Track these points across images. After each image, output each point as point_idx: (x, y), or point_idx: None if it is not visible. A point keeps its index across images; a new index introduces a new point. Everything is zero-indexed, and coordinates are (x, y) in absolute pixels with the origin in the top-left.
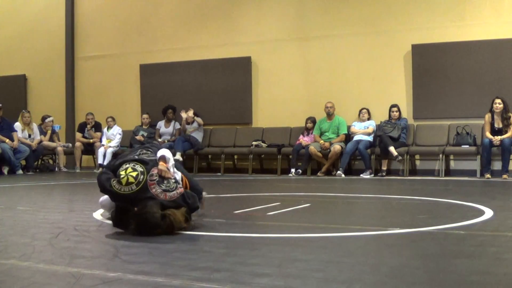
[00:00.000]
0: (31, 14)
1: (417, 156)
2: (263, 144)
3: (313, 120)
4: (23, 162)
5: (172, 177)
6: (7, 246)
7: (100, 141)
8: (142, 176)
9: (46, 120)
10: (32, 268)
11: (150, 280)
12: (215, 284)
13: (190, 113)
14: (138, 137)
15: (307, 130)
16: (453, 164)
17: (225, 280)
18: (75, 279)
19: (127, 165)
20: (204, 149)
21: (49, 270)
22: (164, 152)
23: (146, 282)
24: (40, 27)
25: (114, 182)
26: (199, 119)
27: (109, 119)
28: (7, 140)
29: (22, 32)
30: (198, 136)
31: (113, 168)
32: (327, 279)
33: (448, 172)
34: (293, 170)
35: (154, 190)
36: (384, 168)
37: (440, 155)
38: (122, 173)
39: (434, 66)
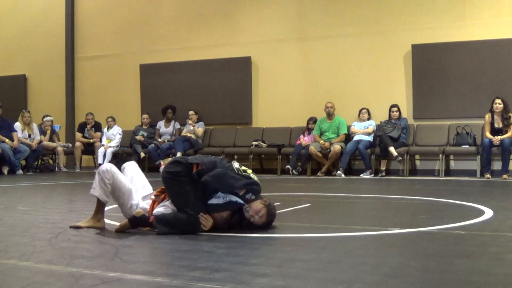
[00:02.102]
0: (31, 14)
1: (417, 156)
2: (263, 144)
3: (315, 121)
4: (23, 162)
5: None
6: (7, 246)
7: (100, 141)
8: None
9: (44, 119)
10: (32, 268)
11: (151, 280)
12: (216, 284)
13: (200, 131)
14: (138, 137)
15: (308, 131)
16: (453, 164)
17: (225, 280)
18: (75, 279)
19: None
20: (204, 149)
21: (49, 270)
22: None
23: (146, 282)
24: (40, 27)
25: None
26: (200, 130)
27: (109, 119)
28: (7, 140)
29: (22, 32)
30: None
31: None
32: (327, 279)
33: (448, 172)
34: (290, 168)
35: None
36: (384, 168)
37: (440, 155)
38: (244, 168)
39: (434, 66)
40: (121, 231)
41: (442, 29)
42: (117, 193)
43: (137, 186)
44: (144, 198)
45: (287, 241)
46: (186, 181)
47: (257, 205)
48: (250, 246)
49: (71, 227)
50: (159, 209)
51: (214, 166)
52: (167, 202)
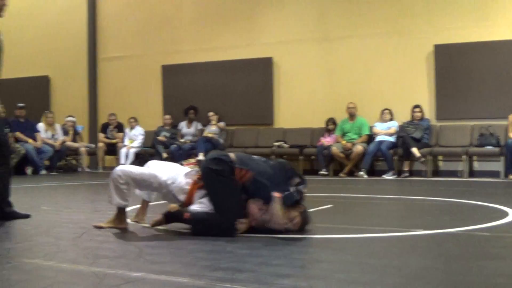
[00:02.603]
0: (53, 16)
1: (440, 157)
2: (284, 144)
3: (333, 122)
4: (47, 163)
5: None
6: (31, 245)
7: (123, 141)
8: None
9: (66, 119)
10: (56, 267)
11: (173, 280)
12: (238, 284)
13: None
14: (160, 138)
15: (328, 132)
16: (476, 165)
17: (248, 280)
18: (98, 278)
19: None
20: (226, 149)
21: (73, 270)
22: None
23: (169, 282)
24: (62, 29)
25: None
26: (221, 124)
27: (132, 120)
28: (31, 141)
29: (45, 34)
30: (220, 137)
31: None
32: (350, 280)
33: (472, 173)
34: (323, 170)
35: None
36: (407, 169)
37: (463, 156)
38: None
39: (457, 67)
40: (157, 226)
41: (465, 29)
42: (143, 184)
43: (172, 168)
44: (186, 175)
45: (310, 242)
46: (228, 182)
47: (293, 213)
48: (273, 246)
49: (94, 226)
50: (195, 207)
51: (265, 169)
52: (204, 200)
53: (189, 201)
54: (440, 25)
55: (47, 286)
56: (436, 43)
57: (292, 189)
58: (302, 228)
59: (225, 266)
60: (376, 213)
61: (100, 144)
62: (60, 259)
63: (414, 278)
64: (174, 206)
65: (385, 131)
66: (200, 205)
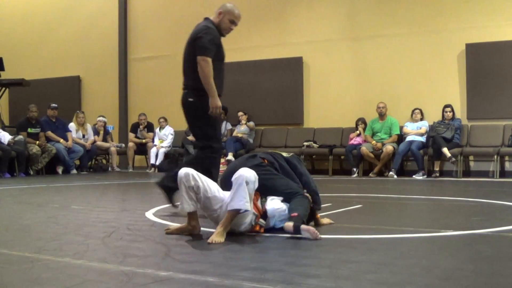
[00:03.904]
0: (84, 17)
1: (471, 157)
2: (314, 144)
3: (363, 121)
4: (77, 162)
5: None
6: (61, 244)
7: (153, 141)
8: None
9: (97, 119)
10: (85, 266)
11: (202, 280)
12: (266, 284)
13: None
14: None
15: (357, 130)
16: (508, 166)
17: (276, 280)
18: (127, 277)
19: None
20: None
21: (102, 268)
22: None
23: (197, 281)
24: (93, 29)
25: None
26: (251, 124)
27: (161, 120)
28: (62, 140)
29: (76, 35)
30: (249, 137)
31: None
32: (378, 281)
33: (503, 173)
34: (354, 170)
35: None
36: (437, 169)
37: (495, 156)
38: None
39: (488, 66)
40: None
41: (496, 28)
42: (207, 191)
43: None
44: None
45: (338, 242)
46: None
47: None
48: (301, 246)
49: (166, 232)
50: (276, 207)
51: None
52: (269, 198)
53: (258, 211)
54: (471, 24)
55: (76, 284)
56: (467, 42)
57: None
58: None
59: (254, 266)
60: (405, 214)
61: (130, 144)
62: (89, 257)
63: (444, 279)
64: None
65: (415, 131)
66: (276, 201)
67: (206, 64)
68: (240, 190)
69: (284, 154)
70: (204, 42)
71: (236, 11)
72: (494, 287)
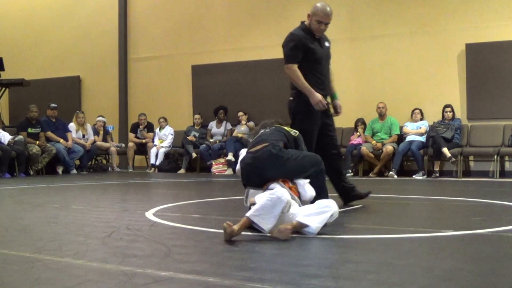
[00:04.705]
0: (84, 17)
1: (471, 157)
2: None
3: (363, 122)
4: (77, 162)
5: None
6: (61, 244)
7: (153, 141)
8: None
9: (97, 119)
10: (85, 266)
11: (202, 280)
12: (266, 284)
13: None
14: (190, 138)
15: (356, 132)
16: (508, 166)
17: (276, 280)
18: (127, 277)
19: None
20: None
21: (102, 268)
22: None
23: (197, 281)
24: (93, 29)
25: None
26: (251, 124)
27: (161, 120)
28: (62, 140)
29: (76, 35)
30: (249, 137)
31: None
32: (379, 281)
33: (503, 173)
34: (349, 170)
35: None
36: (437, 169)
37: (495, 156)
38: None
39: (488, 66)
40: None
41: (496, 28)
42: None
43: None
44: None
45: (339, 242)
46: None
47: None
48: (301, 246)
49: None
50: (306, 187)
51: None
52: (300, 181)
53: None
54: (471, 24)
55: (76, 284)
56: (467, 42)
57: None
58: None
59: (254, 266)
60: (405, 214)
61: (130, 144)
62: (89, 257)
63: (443, 279)
64: (252, 200)
65: (415, 131)
66: (304, 183)
67: (290, 72)
68: (275, 211)
69: (292, 133)
70: (285, 51)
71: (321, 11)
72: (494, 287)
